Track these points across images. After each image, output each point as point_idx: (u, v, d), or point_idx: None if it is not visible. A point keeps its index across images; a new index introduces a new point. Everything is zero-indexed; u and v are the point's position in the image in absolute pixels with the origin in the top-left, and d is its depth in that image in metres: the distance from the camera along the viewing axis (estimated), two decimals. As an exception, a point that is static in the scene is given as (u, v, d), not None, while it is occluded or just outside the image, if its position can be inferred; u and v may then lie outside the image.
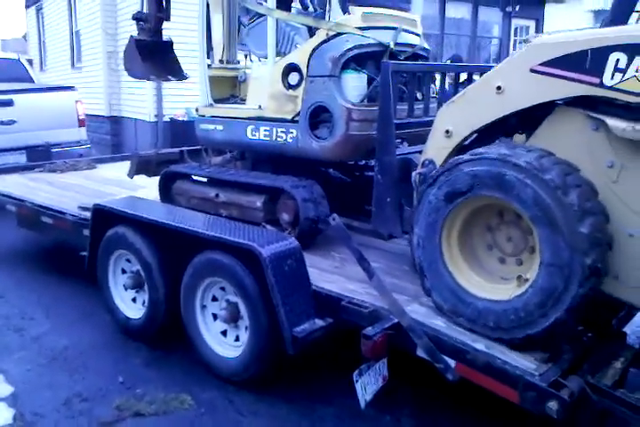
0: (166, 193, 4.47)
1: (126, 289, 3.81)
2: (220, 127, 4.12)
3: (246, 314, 3.07)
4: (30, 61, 12.05)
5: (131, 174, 5.04)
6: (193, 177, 4.34)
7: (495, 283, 2.58)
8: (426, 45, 3.93)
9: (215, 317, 3.29)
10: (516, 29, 14.08)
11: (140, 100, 10.37)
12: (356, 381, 2.52)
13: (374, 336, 2.50)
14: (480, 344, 2.42)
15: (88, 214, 3.99)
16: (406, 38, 3.74)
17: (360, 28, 3.49)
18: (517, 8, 13.47)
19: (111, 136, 11.57)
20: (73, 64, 13.39)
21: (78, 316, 4.22)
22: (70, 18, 13.30)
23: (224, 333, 3.29)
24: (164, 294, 3.50)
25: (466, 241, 2.68)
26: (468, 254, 2.67)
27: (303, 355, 2.91)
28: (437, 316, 2.66)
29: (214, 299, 3.31)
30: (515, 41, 14.09)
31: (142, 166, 4.95)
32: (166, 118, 9.79)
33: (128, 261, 3.77)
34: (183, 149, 5.18)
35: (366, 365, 2.55)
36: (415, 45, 3.79)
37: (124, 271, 3.84)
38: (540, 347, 2.41)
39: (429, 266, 2.70)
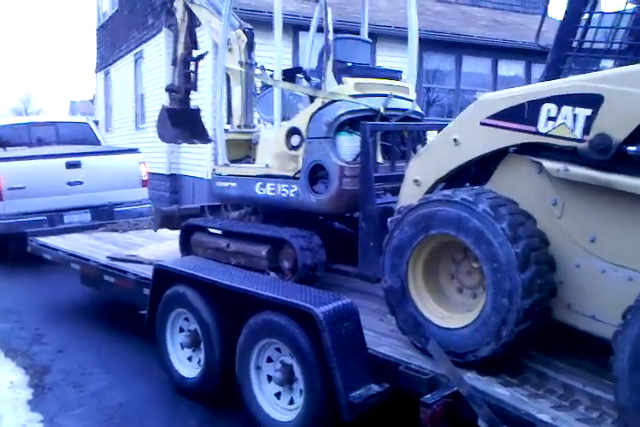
0: (185, 244, 4.81)
1: (183, 348, 3.85)
2: (233, 184, 4.50)
3: (301, 377, 3.04)
4: (97, 122, 12.77)
5: (155, 228, 5.38)
6: (208, 229, 4.69)
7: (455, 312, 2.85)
8: (418, 109, 4.29)
9: (270, 378, 3.28)
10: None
11: (198, 159, 10.77)
12: (415, 451, 2.44)
13: (434, 405, 2.43)
14: (545, 415, 2.31)
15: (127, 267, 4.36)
16: (397, 104, 4.11)
17: (354, 96, 3.86)
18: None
19: (170, 193, 12.00)
20: (137, 125, 14.11)
21: (136, 372, 4.28)
22: (135, 82, 14.14)
23: (278, 395, 3.26)
24: (219, 354, 3.51)
25: (430, 276, 2.94)
26: (432, 288, 2.93)
27: (359, 421, 2.85)
28: (499, 384, 2.58)
29: (269, 360, 3.30)
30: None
31: (166, 220, 5.27)
32: (222, 176, 10.10)
33: (186, 319, 3.82)
34: (203, 204, 5.50)
35: (425, 434, 2.47)
36: (406, 110, 4.14)
37: (181, 330, 3.90)
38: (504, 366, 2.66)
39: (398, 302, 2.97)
